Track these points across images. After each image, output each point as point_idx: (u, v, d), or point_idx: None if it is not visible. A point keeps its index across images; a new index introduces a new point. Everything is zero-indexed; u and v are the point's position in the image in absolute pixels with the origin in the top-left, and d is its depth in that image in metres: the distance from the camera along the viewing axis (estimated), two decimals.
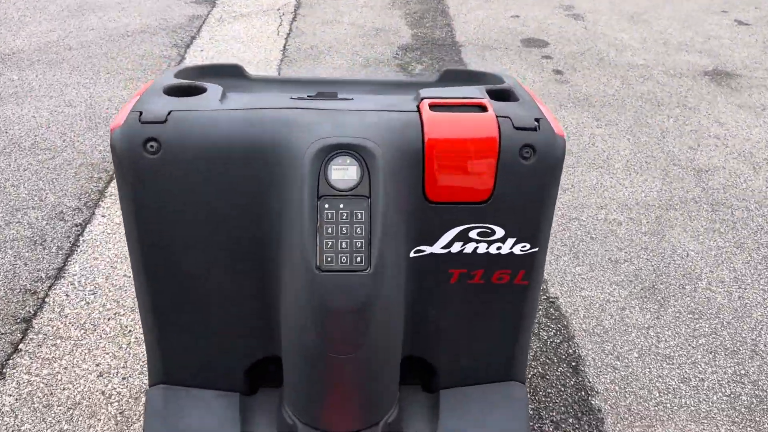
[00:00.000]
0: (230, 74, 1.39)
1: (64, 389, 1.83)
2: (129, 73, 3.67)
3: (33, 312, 2.08)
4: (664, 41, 4.57)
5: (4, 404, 1.78)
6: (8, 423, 1.73)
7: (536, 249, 1.21)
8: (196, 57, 3.91)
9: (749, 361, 2.05)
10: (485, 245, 1.19)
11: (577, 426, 1.81)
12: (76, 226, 2.47)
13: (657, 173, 3.01)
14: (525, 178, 1.14)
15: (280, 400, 1.32)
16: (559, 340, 2.08)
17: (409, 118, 1.12)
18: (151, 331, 1.30)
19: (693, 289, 2.33)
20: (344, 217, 1.06)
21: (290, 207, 1.08)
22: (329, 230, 1.06)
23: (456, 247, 1.18)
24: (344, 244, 1.05)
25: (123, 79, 3.59)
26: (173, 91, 1.18)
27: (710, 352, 2.07)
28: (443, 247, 1.18)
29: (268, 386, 1.41)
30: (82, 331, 2.02)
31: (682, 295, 2.29)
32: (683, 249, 2.52)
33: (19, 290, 2.16)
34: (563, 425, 1.81)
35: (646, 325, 2.16)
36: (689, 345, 2.09)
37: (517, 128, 1.12)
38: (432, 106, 1.14)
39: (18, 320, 2.05)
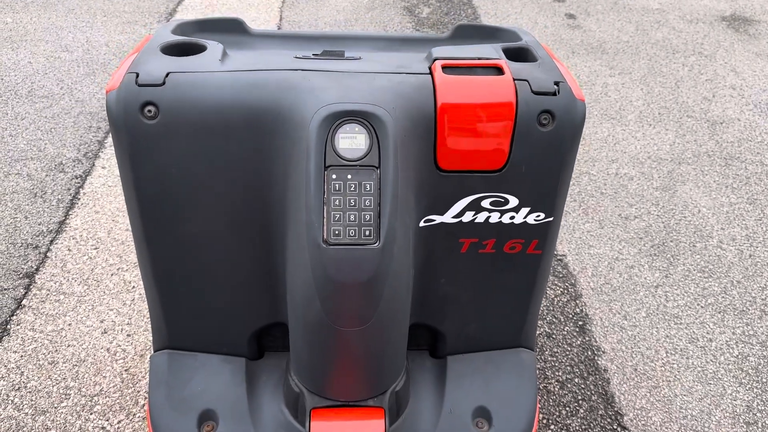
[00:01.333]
0: (230, 29, 1.31)
1: (68, 346, 1.83)
2: (126, 17, 3.54)
3: (35, 267, 2.06)
4: None
5: (9, 361, 1.78)
6: (14, 380, 1.73)
7: (551, 219, 1.16)
8: (194, 1, 3.77)
9: (758, 321, 2.03)
10: (498, 215, 1.14)
11: (583, 386, 1.81)
12: (76, 177, 2.42)
13: (670, 125, 2.93)
14: (542, 146, 1.07)
15: (287, 366, 1.30)
16: (566, 299, 2.06)
17: (421, 81, 1.05)
18: (154, 297, 1.27)
19: (703, 246, 2.29)
20: (352, 189, 1.00)
21: (295, 177, 1.02)
22: (336, 202, 1.00)
23: (467, 217, 1.13)
24: (352, 217, 1.00)
25: (120, 23, 3.46)
26: (171, 50, 1.11)
27: (719, 312, 2.05)
28: (454, 217, 1.13)
29: (274, 351, 1.40)
30: (86, 287, 2.00)
31: (692, 253, 2.26)
32: (695, 205, 2.48)
33: (20, 244, 2.13)
34: (569, 385, 1.81)
35: (654, 284, 2.13)
36: (698, 304, 2.07)
37: (536, 93, 1.05)
38: (445, 68, 1.06)
39: (20, 275, 2.03)
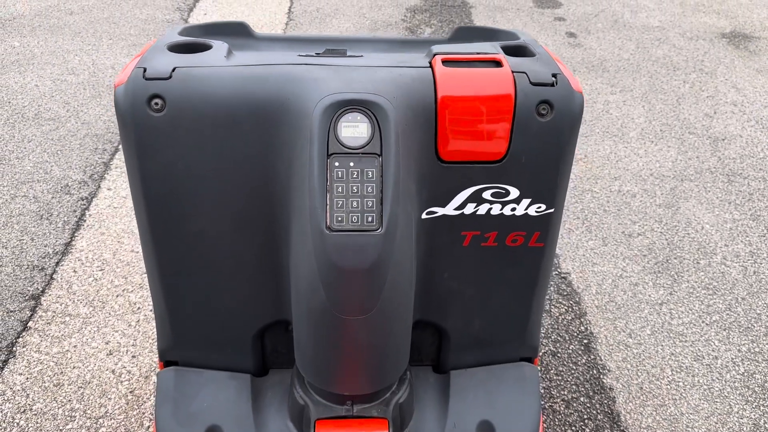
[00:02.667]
0: (235, 33, 1.34)
1: (74, 368, 1.83)
2: (132, 39, 3.59)
3: (41, 289, 2.07)
4: (681, 2, 4.43)
5: (15, 383, 1.79)
6: (20, 402, 1.74)
7: (552, 210, 1.16)
8: (199, 21, 3.81)
9: (764, 338, 2.03)
10: (499, 206, 1.14)
11: (588, 405, 1.80)
12: (82, 199, 2.44)
13: (672, 142, 2.94)
14: (541, 136, 1.08)
15: (292, 380, 1.31)
16: (570, 317, 2.06)
17: (422, 74, 1.07)
18: (159, 295, 1.27)
19: (707, 263, 2.29)
20: (354, 176, 1.01)
21: (299, 165, 1.03)
22: (339, 189, 1.01)
23: (469, 209, 1.14)
24: (355, 204, 1.01)
25: (126, 45, 3.51)
26: (178, 48, 1.13)
27: (724, 329, 2.05)
28: (456, 209, 1.14)
29: (279, 368, 1.40)
30: (91, 309, 2.01)
31: (696, 270, 2.26)
32: (698, 222, 2.48)
33: (26, 266, 2.15)
34: (574, 404, 1.80)
35: (659, 302, 2.13)
36: (703, 322, 2.07)
37: (534, 84, 1.06)
38: (445, 62, 1.08)
39: (26, 297, 2.04)
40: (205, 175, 1.11)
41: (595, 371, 1.90)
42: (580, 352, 1.95)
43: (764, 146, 2.94)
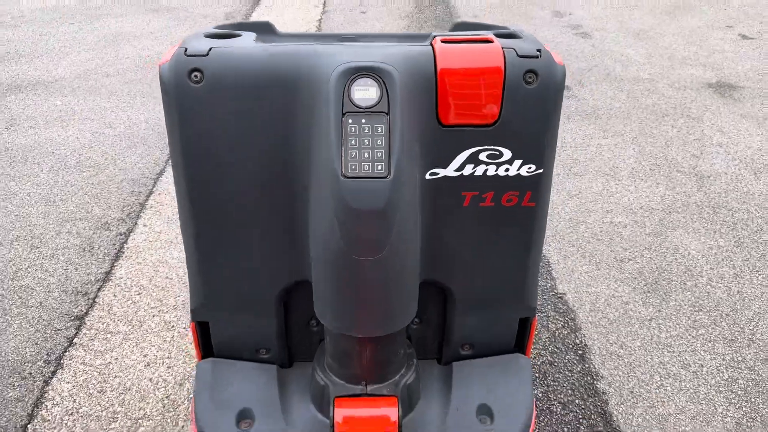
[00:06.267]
0: (261, 30, 1.58)
1: (115, 377, 2.03)
2: None
3: (85, 311, 2.29)
4: (669, 56, 4.74)
5: (63, 390, 1.98)
6: (68, 406, 1.93)
7: (541, 171, 1.33)
8: None
9: (746, 348, 2.19)
10: (494, 167, 1.31)
11: (583, 406, 1.96)
12: (120, 234, 2.69)
13: (661, 179, 3.17)
14: (529, 103, 1.25)
15: (313, 367, 1.50)
16: (566, 332, 2.24)
17: (424, 50, 1.27)
18: (193, 256, 1.43)
19: (694, 284, 2.48)
20: (366, 131, 1.18)
21: (318, 124, 1.21)
22: (353, 142, 1.17)
23: (468, 170, 1.31)
24: (366, 155, 1.17)
25: (158, 103, 3.84)
26: (212, 36, 1.37)
27: (709, 341, 2.22)
28: (456, 170, 1.31)
29: (302, 361, 1.60)
30: (130, 327, 2.22)
31: (683, 290, 2.44)
32: (685, 248, 2.68)
33: (71, 291, 2.37)
34: (570, 405, 1.96)
35: (648, 317, 2.31)
36: (689, 335, 2.24)
37: (521, 56, 1.23)
38: (443, 41, 1.30)
39: (72, 318, 2.26)
40: (236, 139, 1.31)
41: (589, 378, 2.06)
42: (575, 361, 2.12)
43: (748, 182, 3.16)
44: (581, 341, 2.21)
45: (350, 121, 1.20)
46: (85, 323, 2.24)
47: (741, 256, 2.64)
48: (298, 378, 1.56)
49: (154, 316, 2.27)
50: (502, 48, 1.27)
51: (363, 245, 1.24)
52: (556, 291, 2.44)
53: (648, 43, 5.01)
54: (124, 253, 2.59)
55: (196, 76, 1.27)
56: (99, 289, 2.39)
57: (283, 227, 1.39)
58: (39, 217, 2.80)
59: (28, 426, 1.87)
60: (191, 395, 1.96)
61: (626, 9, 5.81)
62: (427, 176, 1.31)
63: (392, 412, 1.39)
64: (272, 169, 1.34)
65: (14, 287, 2.40)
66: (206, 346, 1.58)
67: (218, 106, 1.29)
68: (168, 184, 3.06)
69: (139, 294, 2.37)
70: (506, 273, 1.48)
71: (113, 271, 2.49)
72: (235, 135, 1.31)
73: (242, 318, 1.52)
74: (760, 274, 2.53)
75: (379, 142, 1.20)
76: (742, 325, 2.28)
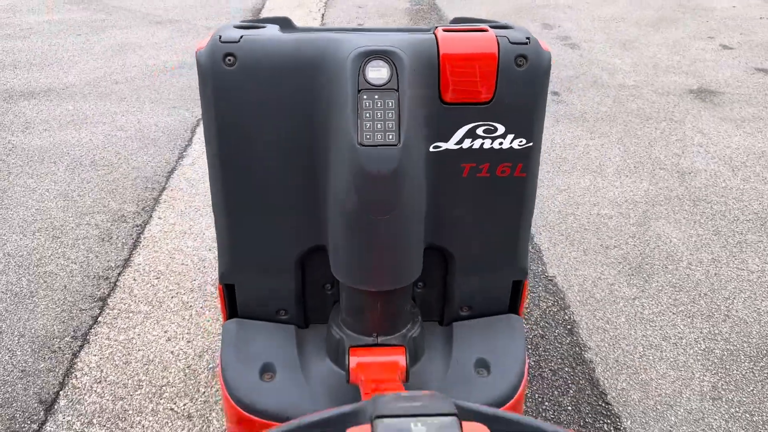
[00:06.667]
0: (282, 24, 1.76)
1: (139, 350, 2.19)
2: (171, 102, 4.11)
3: (107, 293, 2.45)
4: (654, 65, 4.97)
5: (90, 362, 2.14)
6: (95, 375, 2.09)
7: (531, 144, 1.52)
8: None
9: (722, 323, 2.37)
10: (490, 141, 1.50)
11: (572, 373, 2.13)
12: (137, 226, 2.85)
13: (644, 176, 3.36)
14: (519, 83, 1.42)
15: (329, 325, 1.67)
16: (556, 309, 2.42)
17: (428, 38, 1.46)
18: (222, 223, 1.60)
19: (675, 268, 2.66)
20: (379, 105, 1.36)
21: (337, 101, 1.40)
22: (367, 115, 1.34)
23: (466, 143, 1.49)
24: (379, 126, 1.35)
25: (166, 108, 4.02)
26: (241, 27, 1.56)
27: (688, 317, 2.39)
28: (456, 143, 1.49)
29: (318, 323, 1.77)
30: (150, 307, 2.38)
31: (664, 273, 2.63)
32: (666, 237, 2.86)
33: (93, 276, 2.53)
34: (560, 372, 2.13)
35: (632, 297, 2.49)
36: (670, 312, 2.42)
37: (512, 42, 1.44)
38: (444, 31, 1.50)
39: (95, 299, 2.41)
40: (264, 115, 1.49)
41: (577, 349, 2.24)
42: (564, 335, 2.30)
43: (726, 178, 3.36)
44: (570, 317, 2.38)
45: (365, 97, 1.40)
46: (107, 304, 2.40)
47: (719, 243, 2.83)
48: (314, 337, 1.73)
49: (172, 297, 2.43)
50: (496, 36, 1.48)
51: (376, 205, 1.42)
52: (546, 274, 2.61)
53: (633, 52, 5.24)
54: (141, 242, 2.75)
55: (229, 60, 1.46)
56: (119, 274, 2.55)
57: (304, 194, 1.57)
58: (58, 211, 2.96)
59: (60, 392, 2.02)
60: (211, 365, 2.12)
61: (613, 21, 6.05)
62: (431, 149, 1.50)
63: (401, 359, 1.56)
64: (296, 142, 1.53)
65: (39, 273, 2.56)
66: (231, 308, 1.75)
67: (249, 86, 1.48)
68: (179, 181, 3.23)
69: (157, 278, 2.53)
70: (501, 238, 1.66)
71: (132, 259, 2.65)
72: (263, 111, 1.50)
73: (265, 280, 1.69)
74: (736, 259, 2.72)
75: (390, 115, 1.40)
76: (718, 303, 2.46)
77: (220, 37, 1.50)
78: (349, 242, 1.54)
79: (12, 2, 6.53)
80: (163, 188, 3.15)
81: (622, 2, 6.68)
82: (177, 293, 2.45)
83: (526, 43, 1.50)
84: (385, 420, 0.77)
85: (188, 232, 2.82)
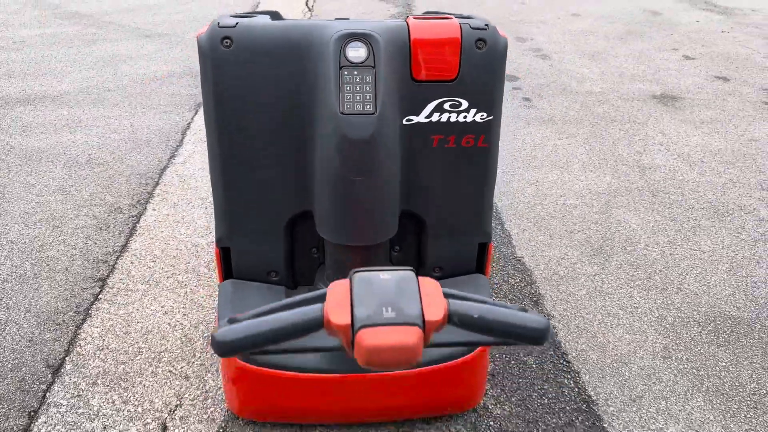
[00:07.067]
0: (272, 15, 1.96)
1: (138, 323, 2.36)
2: (162, 108, 4.30)
3: (106, 274, 2.62)
4: (620, 74, 5.26)
5: (93, 333, 2.31)
6: (98, 344, 2.25)
7: (491, 117, 1.73)
8: None
9: (675, 294, 2.59)
10: (455, 115, 1.71)
11: None
12: (132, 216, 3.03)
13: (608, 171, 3.61)
14: (480, 63, 1.65)
15: (315, 283, 1.86)
16: (523, 284, 2.63)
17: (401, 25, 1.67)
18: (219, 191, 1.77)
19: (633, 249, 2.89)
20: (358, 80, 1.57)
21: (322, 76, 1.59)
22: (348, 88, 1.56)
23: (435, 117, 1.71)
24: (358, 97, 1.56)
25: (158, 112, 4.22)
26: (236, 16, 1.77)
27: (644, 290, 2.62)
28: (426, 117, 1.71)
29: (305, 285, 1.96)
30: (147, 286, 2.56)
31: (624, 253, 2.86)
32: (626, 222, 3.10)
33: (93, 260, 2.71)
34: None
35: (593, 273, 2.71)
36: (628, 286, 2.64)
37: (473, 28, 1.66)
38: (415, 19, 1.72)
39: (95, 280, 2.59)
40: (257, 91, 1.68)
41: None
42: (531, 306, 2.50)
43: (683, 172, 3.62)
44: (536, 291, 2.59)
45: (346, 73, 1.62)
46: (107, 284, 2.57)
47: (674, 228, 3.07)
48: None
49: (168, 277, 2.61)
50: (459, 23, 1.71)
51: (356, 167, 1.64)
52: (515, 255, 2.83)
53: (601, 63, 5.54)
54: (137, 231, 2.93)
55: (226, 42, 1.67)
56: (117, 258, 2.73)
57: (292, 163, 1.78)
58: (57, 204, 3.13)
59: (66, 358, 2.19)
60: (206, 334, 2.30)
61: (582, 35, 6.37)
62: (404, 122, 1.72)
63: None
64: (286, 115, 1.74)
65: (41, 257, 2.72)
66: (227, 270, 1.94)
67: (243, 65, 1.69)
68: (172, 177, 3.42)
69: (153, 261, 2.71)
70: (467, 204, 1.88)
71: (129, 245, 2.82)
72: (256, 88, 1.71)
73: (257, 244, 1.89)
74: (689, 241, 2.96)
75: (367, 88, 1.62)
76: (672, 278, 2.69)
77: (219, 23, 1.72)
78: (332, 201, 1.75)
79: (4, 18, 6.72)
80: (157, 183, 3.33)
81: (591, 18, 7.02)
82: (172, 274, 2.63)
83: (485, 29, 1.74)
84: (359, 273, 1.00)
85: (181, 221, 3.01)
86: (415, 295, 0.99)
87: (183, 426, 1.94)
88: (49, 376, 2.12)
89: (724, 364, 2.24)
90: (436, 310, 0.97)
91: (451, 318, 0.99)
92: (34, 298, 2.48)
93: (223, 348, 0.99)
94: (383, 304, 0.95)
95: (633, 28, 6.61)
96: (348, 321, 0.96)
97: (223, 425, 1.94)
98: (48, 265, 2.68)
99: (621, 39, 6.25)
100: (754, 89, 4.93)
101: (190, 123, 4.10)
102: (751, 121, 4.35)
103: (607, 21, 6.86)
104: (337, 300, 1.00)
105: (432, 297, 1.00)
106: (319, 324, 0.99)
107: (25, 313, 2.39)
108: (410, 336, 0.93)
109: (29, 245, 2.81)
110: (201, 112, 4.27)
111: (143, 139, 3.84)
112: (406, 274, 1.03)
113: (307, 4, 7.43)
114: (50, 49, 5.57)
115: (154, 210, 3.10)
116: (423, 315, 0.96)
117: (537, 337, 1.02)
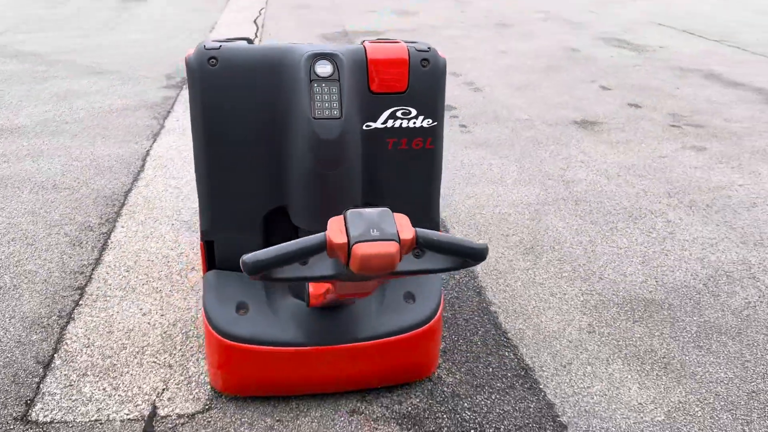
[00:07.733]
0: (247, 41, 2.27)
1: (119, 323, 2.57)
2: (121, 137, 4.51)
3: (84, 283, 2.81)
4: (545, 103, 5.80)
5: (78, 333, 2.50)
6: (84, 341, 2.45)
7: (436, 123, 2.08)
8: (174, 124, 4.80)
9: (597, 283, 2.99)
10: (406, 121, 2.06)
11: (479, 321, 2.67)
12: (103, 233, 3.23)
13: (537, 185, 4.04)
14: (425, 78, 2.01)
15: None
16: (468, 279, 2.97)
17: (359, 47, 2.02)
18: (204, 189, 2.03)
19: (560, 248, 3.29)
20: (326, 91, 1.89)
21: (295, 88, 1.90)
22: (318, 97, 1.88)
23: (389, 123, 2.04)
24: (327, 105, 1.89)
25: (117, 141, 4.42)
26: (218, 41, 2.07)
27: (570, 280, 3.01)
28: (382, 123, 2.05)
29: None
30: (124, 292, 2.76)
31: (552, 251, 3.25)
32: (554, 227, 3.51)
33: (70, 272, 2.89)
34: (471, 321, 2.67)
35: (526, 268, 3.09)
36: (556, 277, 3.03)
37: (418, 50, 2.04)
38: (371, 43, 2.07)
39: (74, 288, 2.77)
40: (240, 103, 1.99)
41: (484, 305, 2.79)
42: (474, 296, 2.85)
43: (602, 184, 4.09)
44: (478, 284, 2.94)
45: (315, 85, 1.96)
46: (86, 291, 2.76)
47: (595, 230, 3.50)
48: (281, 286, 2.20)
49: (143, 284, 2.82)
50: (407, 46, 2.08)
51: (326, 162, 1.96)
52: None
53: (528, 94, 6.08)
54: (108, 245, 3.13)
55: (212, 61, 1.98)
56: (93, 269, 2.92)
57: (269, 164, 2.08)
58: (29, 224, 3.30)
59: (54, 355, 2.37)
60: (185, 330, 2.52)
61: (510, 70, 6.94)
62: (364, 128, 2.06)
63: None
64: (264, 122, 2.05)
65: (20, 271, 2.89)
66: (210, 261, 2.20)
67: (227, 80, 2.00)
68: (137, 198, 3.63)
69: (127, 272, 2.92)
70: (417, 196, 2.22)
71: (102, 258, 3.02)
72: (238, 99, 2.02)
73: (238, 237, 2.16)
74: (608, 240, 3.39)
75: (334, 97, 1.96)
76: (594, 270, 3.10)
77: (205, 46, 2.04)
78: (305, 193, 2.06)
79: None
80: (123, 204, 3.54)
81: (516, 54, 7.63)
82: (147, 281, 2.85)
83: (428, 51, 2.12)
84: (351, 209, 1.32)
85: (150, 236, 3.23)
86: (392, 221, 1.33)
87: (171, 405, 2.16)
88: (41, 370, 2.30)
89: (639, 335, 2.63)
90: (407, 232, 1.31)
91: (418, 239, 1.33)
92: (17, 306, 2.65)
93: (253, 266, 1.28)
94: (370, 227, 1.29)
95: (554, 63, 7.23)
96: (345, 240, 1.28)
97: (207, 403, 2.17)
98: (27, 277, 2.85)
99: (544, 73, 6.85)
100: (662, 114, 5.54)
101: (149, 150, 4.32)
102: (660, 140, 4.91)
103: (531, 57, 7.48)
104: (335, 228, 1.32)
105: (404, 224, 1.34)
106: (323, 246, 1.31)
107: (10, 319, 2.56)
108: (391, 247, 1.27)
109: (5, 261, 2.97)
110: (159, 140, 4.50)
111: (105, 165, 4.04)
112: (385, 210, 1.37)
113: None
114: (1, 85, 5.68)
115: (123, 227, 3.31)
116: (399, 234, 1.30)
117: (480, 252, 1.36)
